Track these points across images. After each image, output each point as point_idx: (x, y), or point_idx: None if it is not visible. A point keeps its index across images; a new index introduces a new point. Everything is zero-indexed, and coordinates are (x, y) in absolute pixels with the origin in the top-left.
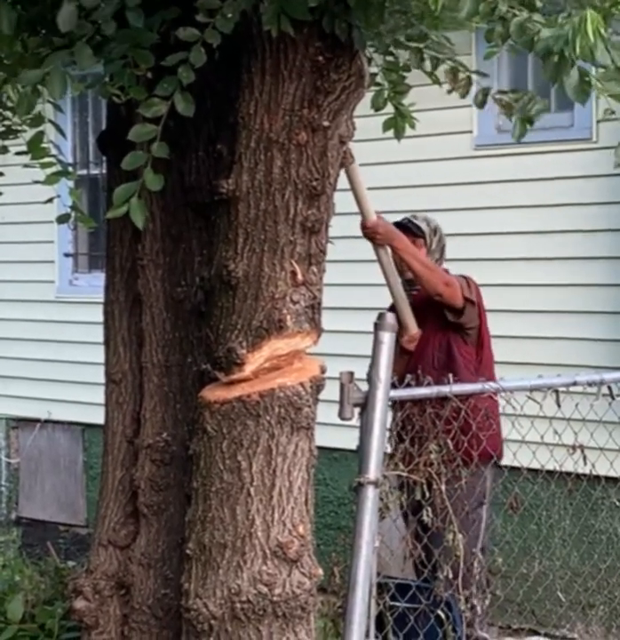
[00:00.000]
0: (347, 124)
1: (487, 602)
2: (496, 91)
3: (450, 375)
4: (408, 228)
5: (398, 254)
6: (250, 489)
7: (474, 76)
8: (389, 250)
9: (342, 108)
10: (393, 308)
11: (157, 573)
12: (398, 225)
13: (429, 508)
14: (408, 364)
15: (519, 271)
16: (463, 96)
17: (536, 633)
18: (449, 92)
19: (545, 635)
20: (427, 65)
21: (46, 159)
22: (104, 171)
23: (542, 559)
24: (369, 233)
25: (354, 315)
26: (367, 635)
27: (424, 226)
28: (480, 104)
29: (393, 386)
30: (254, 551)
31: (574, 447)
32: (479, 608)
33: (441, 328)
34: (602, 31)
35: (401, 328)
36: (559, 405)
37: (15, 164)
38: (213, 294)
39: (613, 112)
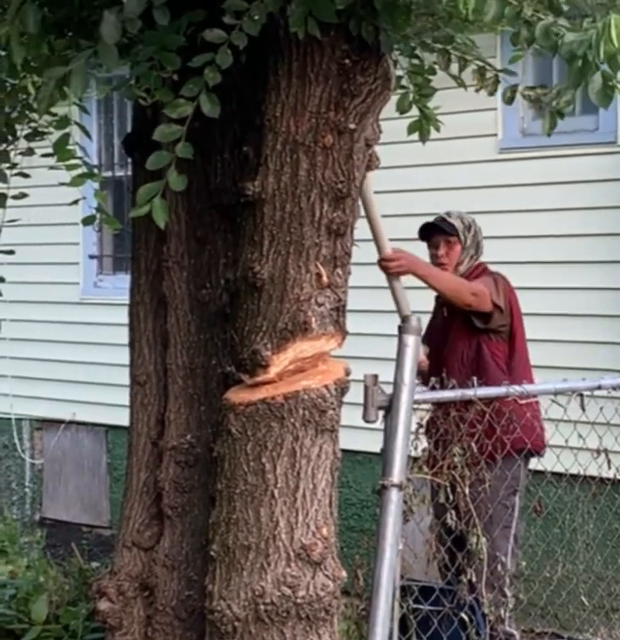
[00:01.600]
0: (373, 126)
1: (511, 604)
2: (524, 87)
3: (475, 378)
4: (440, 227)
5: (423, 281)
6: (274, 491)
7: (501, 75)
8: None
9: (368, 111)
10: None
11: (181, 575)
12: (431, 224)
13: (464, 510)
14: (437, 362)
15: (543, 274)
16: (491, 94)
17: (559, 637)
18: (478, 90)
19: (569, 639)
20: (454, 67)
21: (72, 161)
22: (129, 172)
23: (565, 563)
24: (389, 265)
25: (379, 317)
26: (390, 638)
27: (457, 223)
28: (509, 100)
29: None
30: (278, 553)
31: (598, 451)
32: (507, 606)
33: (471, 327)
34: None
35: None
36: (583, 409)
37: (41, 166)
38: (238, 296)
39: None
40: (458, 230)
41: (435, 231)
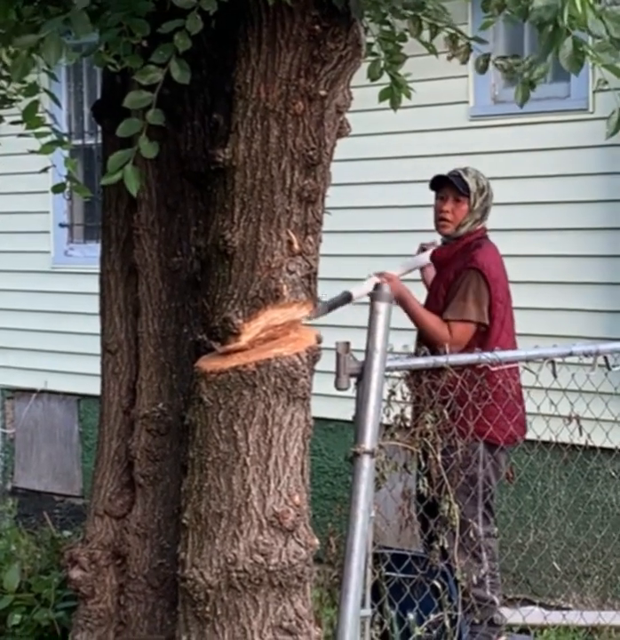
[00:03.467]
0: (344, 93)
1: (483, 570)
2: (497, 56)
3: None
4: (453, 184)
5: (406, 310)
6: (246, 459)
7: (473, 43)
8: None
9: (339, 78)
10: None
11: (153, 543)
12: (444, 178)
13: (436, 477)
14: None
15: (514, 242)
16: (463, 62)
17: (531, 602)
18: (450, 58)
19: (540, 604)
20: (425, 34)
21: (41, 128)
22: (99, 140)
23: (537, 529)
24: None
25: (350, 285)
26: (363, 604)
27: (472, 184)
28: (482, 69)
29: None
30: (250, 521)
31: (570, 418)
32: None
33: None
34: (591, 1)
35: None
36: (555, 376)
37: (10, 134)
38: (209, 264)
39: (606, 82)
40: (471, 191)
41: (447, 184)
